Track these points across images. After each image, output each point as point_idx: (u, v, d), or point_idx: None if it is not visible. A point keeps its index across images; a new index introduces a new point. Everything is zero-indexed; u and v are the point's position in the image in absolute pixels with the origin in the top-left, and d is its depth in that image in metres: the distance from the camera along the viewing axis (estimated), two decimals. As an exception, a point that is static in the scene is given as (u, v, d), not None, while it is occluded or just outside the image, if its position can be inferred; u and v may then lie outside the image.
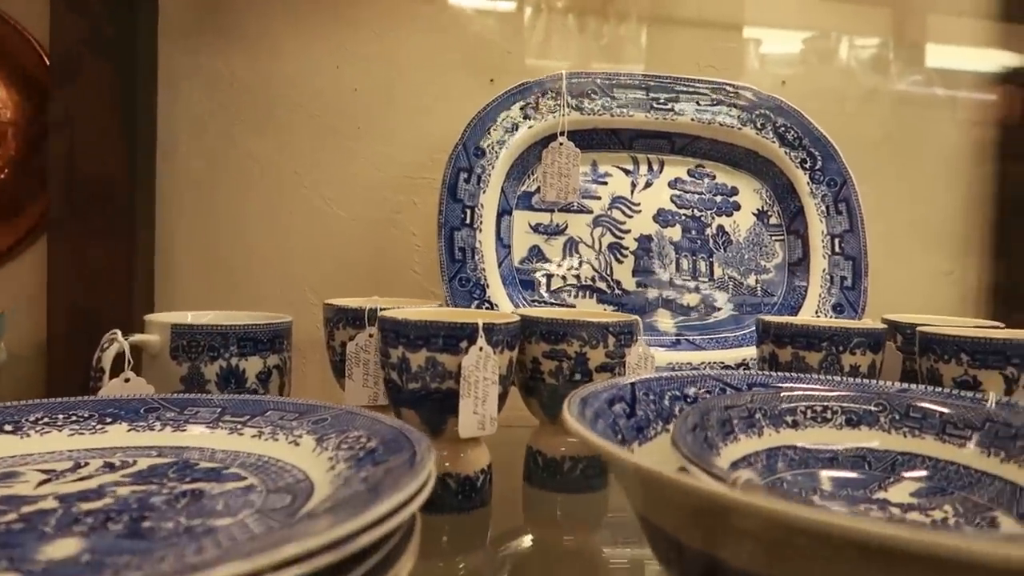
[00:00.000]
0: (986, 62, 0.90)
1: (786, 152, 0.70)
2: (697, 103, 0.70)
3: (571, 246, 0.69)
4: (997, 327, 0.64)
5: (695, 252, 0.70)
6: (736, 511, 0.24)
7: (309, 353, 0.75)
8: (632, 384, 0.47)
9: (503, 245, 0.67)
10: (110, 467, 0.40)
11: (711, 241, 0.70)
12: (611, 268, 0.69)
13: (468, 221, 0.65)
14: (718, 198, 0.71)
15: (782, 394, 0.47)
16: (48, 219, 0.70)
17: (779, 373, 0.54)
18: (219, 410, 0.47)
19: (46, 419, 0.44)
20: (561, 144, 0.67)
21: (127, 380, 0.54)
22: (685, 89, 0.69)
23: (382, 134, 0.78)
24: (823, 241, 0.69)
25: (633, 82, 0.69)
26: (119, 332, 0.54)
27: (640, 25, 0.83)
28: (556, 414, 0.43)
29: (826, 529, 0.21)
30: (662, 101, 0.69)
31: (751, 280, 0.71)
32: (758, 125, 0.70)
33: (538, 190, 0.68)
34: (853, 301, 0.68)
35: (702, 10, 0.84)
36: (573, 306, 0.68)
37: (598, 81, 0.68)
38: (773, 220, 0.72)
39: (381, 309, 0.53)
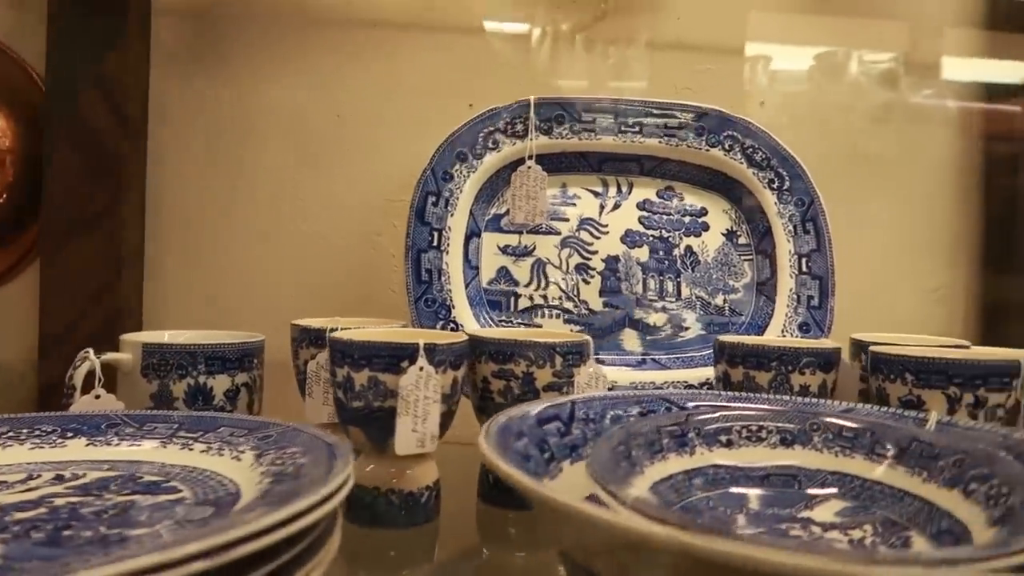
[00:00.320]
0: (974, 73, 0.90)
1: (754, 172, 0.71)
2: (665, 126, 0.71)
3: (539, 267, 0.70)
4: (962, 346, 0.64)
5: (662, 272, 0.71)
6: (616, 534, 0.25)
7: (290, 371, 0.77)
8: (572, 403, 0.48)
9: (471, 266, 0.69)
10: (59, 479, 0.42)
11: (679, 261, 0.71)
12: (578, 289, 0.70)
13: (435, 243, 0.66)
14: (687, 219, 0.72)
15: (717, 414, 0.47)
16: (40, 244, 0.73)
17: (727, 392, 0.54)
18: (176, 426, 0.49)
19: (11, 433, 0.47)
20: (529, 167, 0.69)
21: (97, 397, 0.56)
22: (653, 112, 0.71)
23: (363, 158, 0.81)
24: (790, 261, 0.69)
25: (601, 106, 0.70)
26: (91, 351, 0.56)
27: (618, 49, 0.84)
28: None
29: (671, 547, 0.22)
30: (630, 124, 0.70)
31: (719, 300, 0.71)
32: (726, 146, 0.71)
33: (507, 212, 0.70)
34: (820, 320, 0.68)
35: (680, 34, 0.85)
36: (540, 326, 0.69)
37: (566, 105, 0.70)
38: (742, 240, 0.72)
39: (341, 329, 0.55)
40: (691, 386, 0.65)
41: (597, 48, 0.83)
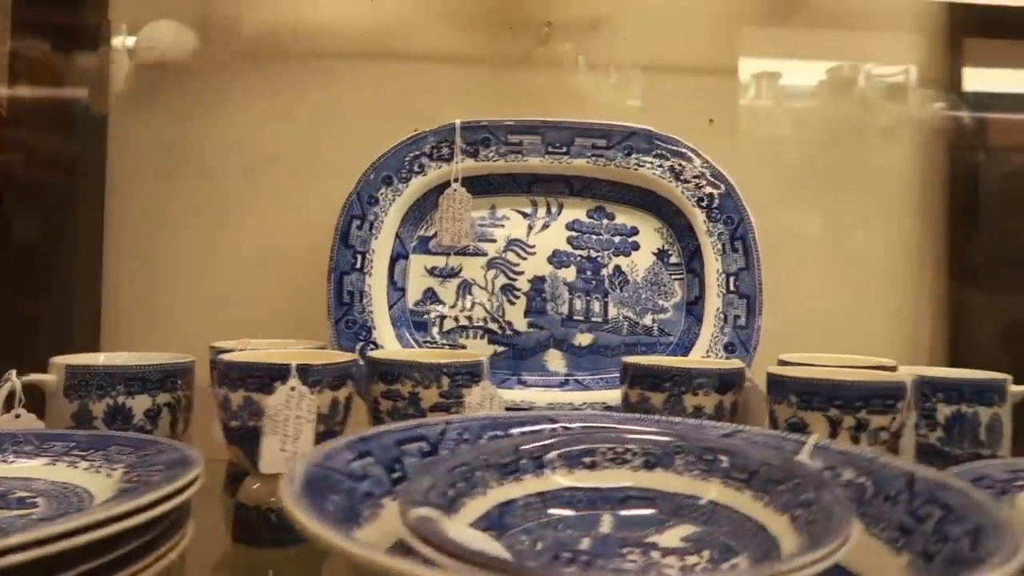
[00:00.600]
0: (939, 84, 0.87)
1: (684, 191, 0.70)
2: (593, 146, 0.71)
3: (464, 288, 0.71)
4: (886, 366, 0.62)
5: (589, 292, 0.71)
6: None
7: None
8: (446, 423, 0.48)
9: (396, 288, 0.70)
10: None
11: (607, 281, 0.71)
12: (503, 309, 0.70)
13: (359, 266, 0.68)
14: (616, 238, 0.72)
15: (578, 436, 0.47)
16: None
17: (616, 413, 0.54)
18: (72, 444, 0.51)
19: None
20: (455, 190, 0.70)
21: (17, 416, 0.59)
22: (580, 132, 0.71)
23: (309, 184, 0.83)
24: (718, 279, 0.68)
25: (527, 128, 0.71)
26: (14, 372, 0.59)
27: (566, 71, 0.85)
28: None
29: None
30: (556, 145, 0.71)
31: (647, 320, 0.70)
32: (655, 165, 0.70)
33: (435, 234, 0.70)
34: (745, 340, 0.67)
35: (629, 54, 0.85)
36: (464, 347, 0.70)
37: (492, 128, 0.71)
38: (673, 259, 0.72)
39: (239, 351, 0.56)
40: (609, 407, 0.64)
41: (541, 72, 0.84)
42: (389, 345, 0.67)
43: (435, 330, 0.70)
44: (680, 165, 0.70)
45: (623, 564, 0.38)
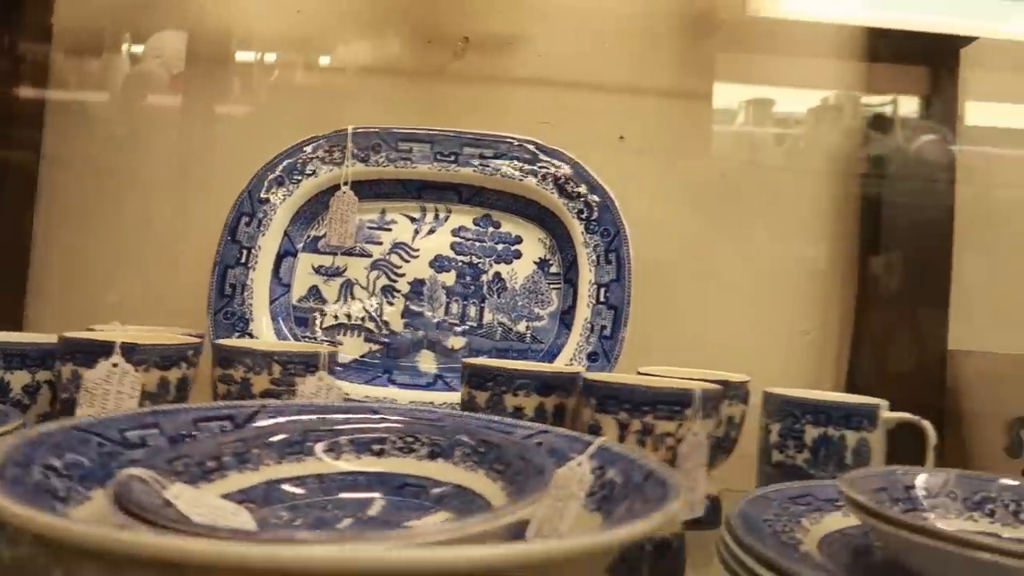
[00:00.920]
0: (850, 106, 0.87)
1: (565, 202, 0.72)
2: (481, 155, 0.73)
3: (347, 288, 0.73)
4: (738, 382, 0.62)
5: (467, 297, 0.72)
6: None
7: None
8: (261, 406, 0.50)
9: (282, 284, 0.73)
10: None
11: (485, 287, 0.72)
12: (381, 310, 0.72)
13: (243, 260, 0.71)
14: (500, 246, 0.74)
15: (371, 424, 0.48)
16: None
17: (439, 410, 0.55)
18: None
19: None
20: (344, 193, 0.72)
21: None
22: (468, 142, 0.73)
23: (228, 185, 0.86)
24: (589, 290, 0.70)
25: (417, 136, 0.73)
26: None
27: (480, 85, 0.87)
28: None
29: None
30: (445, 154, 0.73)
31: (521, 326, 0.72)
32: (540, 176, 0.72)
33: (325, 234, 0.73)
34: (608, 350, 0.68)
35: (543, 70, 0.87)
36: (340, 344, 0.72)
37: (383, 135, 0.73)
38: (554, 269, 0.73)
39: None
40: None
41: (456, 85, 0.87)
42: (265, 337, 0.70)
43: (316, 326, 0.72)
44: (564, 177, 0.72)
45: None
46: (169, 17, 0.87)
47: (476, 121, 0.84)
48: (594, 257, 0.70)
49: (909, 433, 0.70)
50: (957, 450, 0.79)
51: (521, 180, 0.72)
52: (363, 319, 0.72)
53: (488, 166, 0.73)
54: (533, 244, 0.74)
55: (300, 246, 0.74)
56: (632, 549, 0.49)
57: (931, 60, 0.83)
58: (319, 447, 0.47)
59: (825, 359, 0.86)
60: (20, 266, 0.86)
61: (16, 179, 0.85)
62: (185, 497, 0.38)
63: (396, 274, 0.73)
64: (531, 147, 0.73)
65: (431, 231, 0.74)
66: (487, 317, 0.72)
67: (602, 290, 0.69)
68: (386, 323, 0.72)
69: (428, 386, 0.70)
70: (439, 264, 0.73)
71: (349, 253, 0.74)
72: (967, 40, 0.83)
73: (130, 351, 0.51)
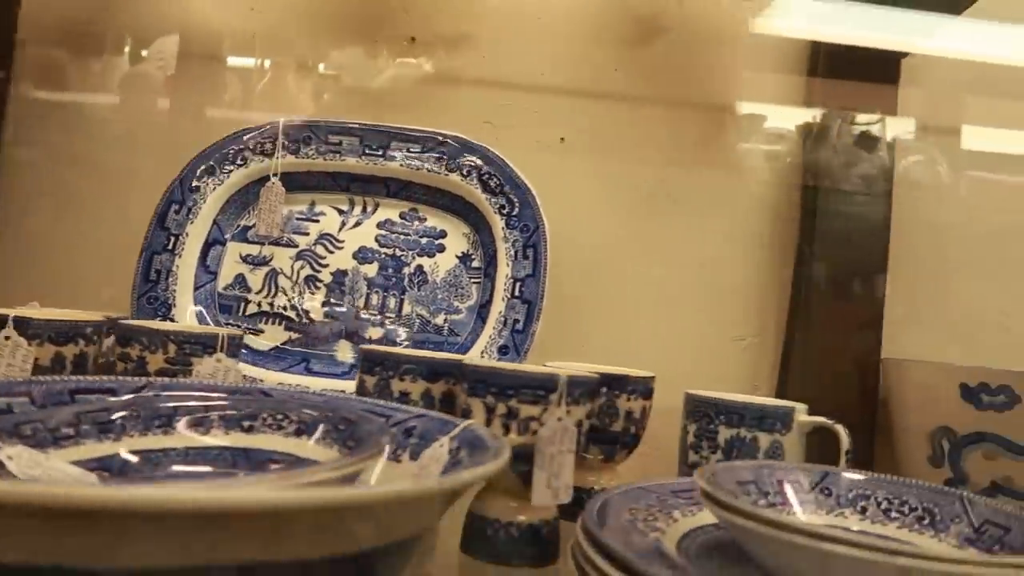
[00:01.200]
0: (794, 119, 0.87)
1: (487, 198, 0.72)
2: (407, 150, 0.74)
3: (272, 277, 0.74)
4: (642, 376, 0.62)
5: (387, 289, 0.73)
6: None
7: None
8: (147, 381, 0.51)
9: (208, 271, 0.74)
10: None
11: (406, 279, 0.73)
12: (303, 299, 0.73)
13: (170, 247, 0.72)
14: (424, 240, 0.74)
15: (243, 401, 0.49)
16: None
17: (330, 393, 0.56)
18: None
19: None
20: (273, 183, 0.74)
21: None
22: (396, 137, 0.74)
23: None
24: (505, 284, 0.70)
25: (347, 129, 0.75)
26: None
27: (425, 84, 0.88)
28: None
29: None
30: (373, 148, 0.74)
31: (439, 319, 0.72)
32: (464, 172, 0.73)
33: (255, 224, 0.74)
34: (519, 344, 0.68)
35: (487, 71, 0.88)
36: (262, 331, 0.73)
37: (314, 128, 0.75)
38: (475, 263, 0.74)
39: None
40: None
41: (402, 84, 0.88)
42: (186, 323, 0.71)
43: (239, 314, 0.73)
44: (487, 173, 0.73)
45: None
46: (131, 15, 0.89)
47: (419, 120, 0.85)
48: (512, 252, 0.71)
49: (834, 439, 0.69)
50: (888, 459, 0.78)
51: (446, 175, 0.73)
52: (285, 308, 0.73)
53: (414, 161, 0.74)
54: (457, 238, 0.74)
55: (229, 235, 0.75)
56: (501, 534, 0.49)
57: (870, 75, 0.83)
58: (184, 421, 0.48)
59: (761, 366, 0.86)
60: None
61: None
62: (23, 458, 0.39)
63: (320, 264, 0.74)
64: (456, 143, 0.74)
65: (357, 223, 0.75)
66: (406, 309, 0.73)
67: (518, 284, 0.70)
68: (306, 312, 0.73)
69: (344, 375, 0.70)
70: (362, 256, 0.74)
71: (276, 243, 0.75)
72: (906, 55, 0.83)
73: (23, 325, 0.53)
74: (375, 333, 0.72)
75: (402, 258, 0.74)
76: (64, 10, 0.92)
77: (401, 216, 0.75)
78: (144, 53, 0.91)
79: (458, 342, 0.72)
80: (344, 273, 0.74)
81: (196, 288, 0.73)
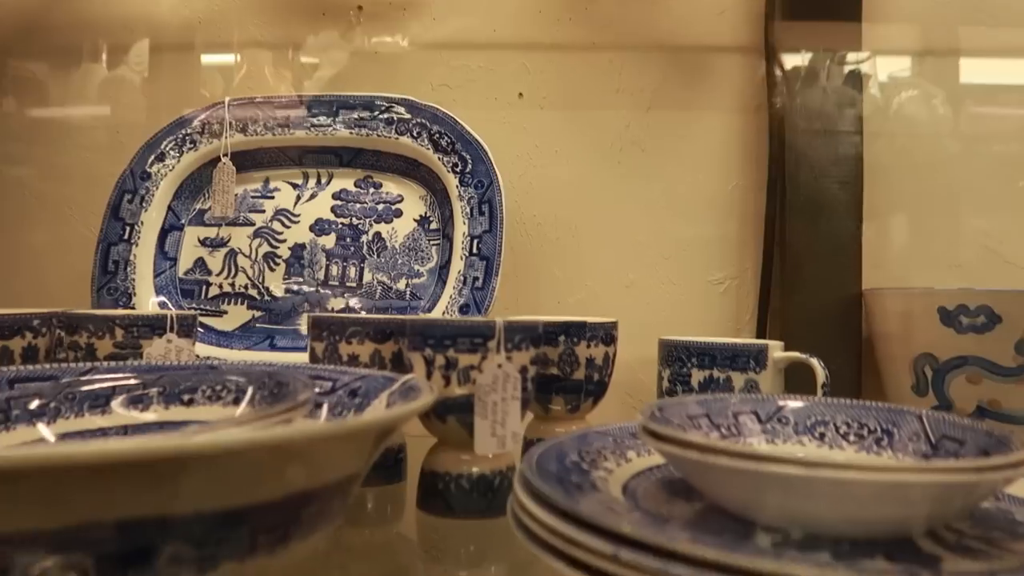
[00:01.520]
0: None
1: (440, 157, 0.71)
2: (357, 117, 0.73)
3: (231, 257, 0.73)
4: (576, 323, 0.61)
5: (347, 259, 0.72)
6: None
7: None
8: (91, 366, 0.51)
9: (167, 258, 0.73)
10: None
11: (365, 247, 0.72)
12: (264, 276, 0.73)
13: (126, 237, 0.72)
14: (380, 206, 0.73)
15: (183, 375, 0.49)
16: None
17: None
18: None
19: None
20: (224, 164, 0.73)
21: None
22: (343, 104, 0.73)
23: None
24: (463, 243, 0.69)
25: (293, 102, 0.73)
26: None
27: (378, 53, 0.87)
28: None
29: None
30: (321, 118, 0.73)
31: (401, 284, 0.71)
32: (414, 134, 0.72)
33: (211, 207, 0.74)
34: (480, 301, 0.67)
35: (439, 33, 0.86)
36: (226, 313, 0.72)
37: (260, 104, 0.74)
38: (433, 225, 0.72)
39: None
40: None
41: (354, 55, 0.86)
42: (146, 310, 0.71)
43: (201, 297, 0.73)
44: (438, 132, 0.71)
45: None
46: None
47: (374, 89, 0.83)
48: (468, 210, 0.69)
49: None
50: (875, 392, 0.76)
51: (397, 138, 0.72)
52: (246, 287, 0.73)
53: (364, 127, 0.72)
54: (414, 202, 0.73)
55: (185, 220, 0.75)
56: (452, 487, 0.49)
57: (835, 13, 0.80)
58: (121, 400, 0.47)
59: (744, 308, 0.84)
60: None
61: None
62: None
63: (277, 240, 0.73)
64: (404, 105, 0.72)
65: (313, 196, 0.74)
66: (367, 277, 0.72)
67: (475, 242, 0.68)
68: (268, 289, 0.72)
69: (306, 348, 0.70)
70: (319, 228, 0.73)
71: (233, 223, 0.74)
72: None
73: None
74: (337, 304, 0.71)
75: (359, 226, 0.73)
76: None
77: (356, 184, 0.74)
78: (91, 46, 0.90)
79: (420, 306, 0.71)
80: (302, 247, 0.73)
81: (156, 275, 0.72)
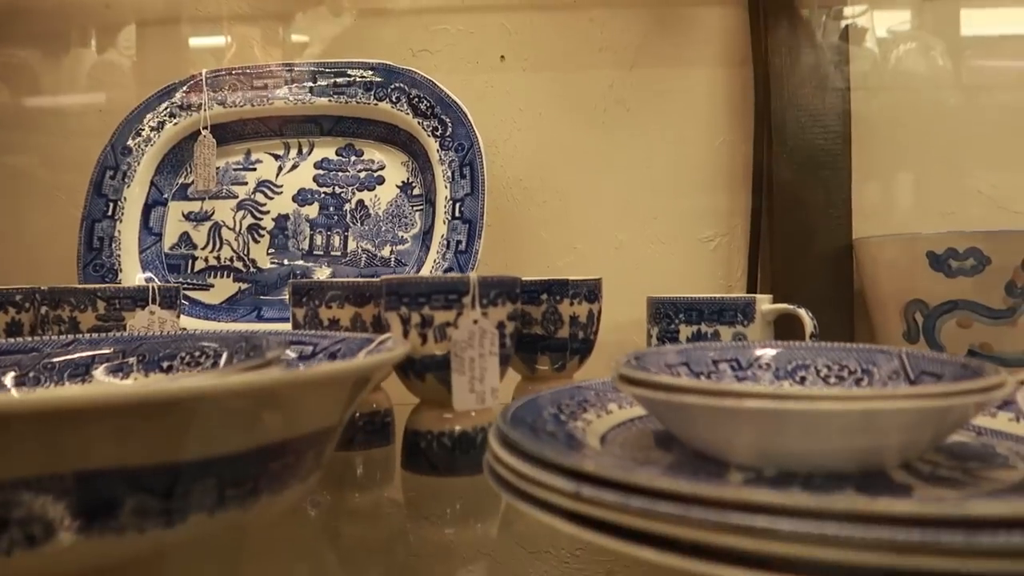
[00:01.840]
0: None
1: (419, 122, 0.70)
2: (334, 84, 0.72)
3: (215, 230, 0.73)
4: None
5: (330, 228, 0.72)
6: None
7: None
8: (74, 338, 0.51)
9: (152, 233, 0.73)
10: None
11: (348, 216, 0.72)
12: (248, 248, 0.72)
13: (110, 213, 0.71)
14: (363, 173, 0.73)
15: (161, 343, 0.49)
16: None
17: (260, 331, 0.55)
18: None
19: None
20: (204, 137, 0.72)
21: None
22: (321, 73, 0.72)
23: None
24: (445, 206, 0.68)
25: (272, 72, 0.73)
26: None
27: (355, 22, 0.85)
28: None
29: None
30: (299, 87, 0.72)
31: (385, 251, 0.71)
32: (393, 99, 0.71)
33: (194, 181, 0.73)
34: (463, 264, 0.66)
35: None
36: (212, 286, 0.72)
37: (238, 74, 0.73)
38: (416, 191, 0.72)
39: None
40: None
41: (327, 23, 0.85)
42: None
43: (188, 271, 0.73)
44: (416, 96, 0.70)
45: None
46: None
47: (355, 57, 0.82)
48: (449, 173, 0.69)
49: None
50: (868, 341, 0.76)
51: (376, 104, 0.71)
52: (232, 259, 0.72)
53: (343, 94, 0.72)
54: (396, 168, 0.73)
55: (169, 195, 0.74)
56: (434, 445, 0.49)
57: None
58: (102, 369, 0.47)
59: (735, 265, 0.83)
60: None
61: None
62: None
63: (261, 212, 0.73)
64: (383, 69, 0.71)
65: (295, 166, 0.74)
66: (351, 245, 0.71)
67: (457, 205, 0.68)
68: (253, 261, 0.72)
69: (294, 318, 0.70)
70: (302, 198, 0.73)
71: (216, 196, 0.74)
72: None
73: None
74: (323, 273, 0.71)
75: (342, 195, 0.72)
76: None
77: (337, 153, 0.74)
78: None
79: (405, 272, 0.70)
80: (286, 217, 0.73)
81: (142, 251, 0.72)
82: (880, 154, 0.81)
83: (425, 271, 0.68)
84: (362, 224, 0.72)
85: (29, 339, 0.49)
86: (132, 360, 0.48)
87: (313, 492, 0.47)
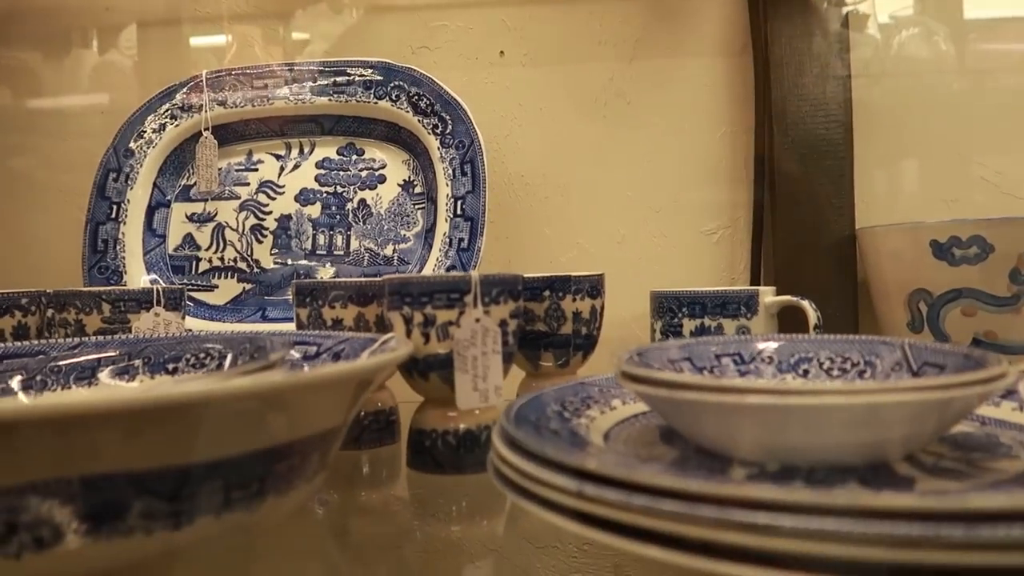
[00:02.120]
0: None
1: (419, 120, 0.70)
2: (334, 83, 0.72)
3: (219, 231, 0.73)
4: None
5: (333, 227, 0.72)
6: None
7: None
8: (80, 341, 0.52)
9: (156, 235, 0.74)
10: None
11: (351, 215, 0.72)
12: (252, 249, 0.73)
13: (114, 216, 0.72)
14: (364, 173, 0.73)
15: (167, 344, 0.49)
16: None
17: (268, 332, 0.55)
18: None
19: None
20: (205, 138, 0.73)
21: None
22: (321, 72, 0.72)
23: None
24: (447, 205, 0.68)
25: (272, 72, 0.73)
26: None
27: (353, 19, 0.85)
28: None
29: None
30: (300, 87, 0.72)
31: (388, 250, 0.71)
32: (393, 97, 0.71)
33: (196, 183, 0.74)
34: (466, 262, 0.66)
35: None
36: (216, 287, 0.72)
37: (239, 75, 0.73)
38: (418, 189, 0.72)
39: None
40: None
41: (326, 21, 0.85)
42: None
43: (192, 273, 0.73)
44: (416, 94, 0.70)
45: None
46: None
47: (354, 55, 0.82)
48: (450, 171, 0.69)
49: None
50: (872, 332, 0.76)
51: (376, 103, 0.71)
52: (235, 260, 0.73)
53: (343, 93, 0.72)
54: (397, 167, 0.73)
55: (171, 196, 0.75)
56: (439, 444, 0.49)
57: None
58: (108, 372, 0.48)
59: (738, 258, 0.83)
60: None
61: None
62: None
63: (263, 212, 0.73)
64: (382, 67, 0.71)
65: (296, 166, 0.74)
66: (354, 244, 0.72)
67: (459, 203, 0.68)
68: (257, 261, 0.72)
69: (298, 318, 0.70)
70: (304, 198, 0.73)
71: (219, 197, 0.74)
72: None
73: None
74: (326, 273, 0.72)
75: (344, 194, 0.73)
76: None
77: (338, 152, 0.74)
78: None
79: (409, 271, 0.71)
80: (288, 217, 0.73)
81: (146, 253, 0.73)
82: (883, 142, 0.81)
83: (428, 269, 0.68)
84: (364, 223, 0.72)
85: (35, 342, 0.49)
86: (138, 363, 0.48)
87: (320, 491, 0.47)
